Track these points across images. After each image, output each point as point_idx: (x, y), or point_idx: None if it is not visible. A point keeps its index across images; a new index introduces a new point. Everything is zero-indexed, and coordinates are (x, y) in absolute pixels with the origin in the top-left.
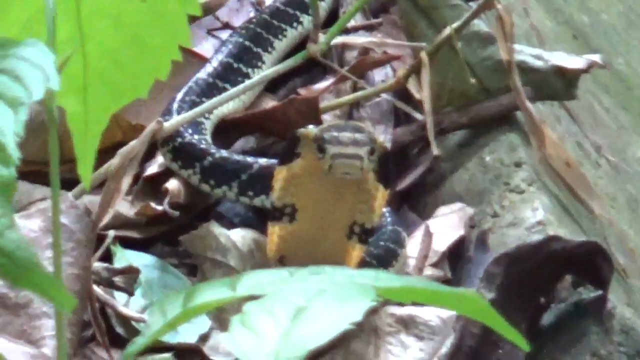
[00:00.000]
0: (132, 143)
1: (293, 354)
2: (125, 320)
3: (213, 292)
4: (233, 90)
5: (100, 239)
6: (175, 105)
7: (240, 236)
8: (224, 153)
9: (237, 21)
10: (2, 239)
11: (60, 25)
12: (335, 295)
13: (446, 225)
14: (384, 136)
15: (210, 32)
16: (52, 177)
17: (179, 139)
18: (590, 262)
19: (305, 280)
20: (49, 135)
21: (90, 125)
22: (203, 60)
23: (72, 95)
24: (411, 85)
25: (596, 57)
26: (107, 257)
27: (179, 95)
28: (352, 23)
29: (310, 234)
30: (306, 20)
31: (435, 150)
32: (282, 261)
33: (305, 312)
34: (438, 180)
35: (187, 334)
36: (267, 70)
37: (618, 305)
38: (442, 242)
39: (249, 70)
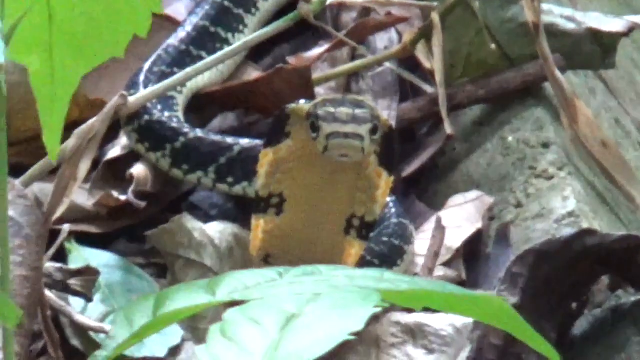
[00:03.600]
0: (91, 121)
1: None
2: (82, 330)
3: (187, 297)
4: (210, 59)
5: (53, 234)
6: (141, 77)
7: (217, 231)
8: (199, 133)
9: None
10: None
11: None
12: (332, 301)
13: (461, 217)
14: (388, 112)
15: None
16: None
17: (146, 117)
18: (631, 260)
19: (297, 282)
20: None
21: (57, 87)
22: (174, 24)
23: (36, 52)
24: (420, 53)
25: (638, 19)
26: (61, 255)
27: (147, 66)
28: None
29: (301, 228)
30: None
31: (448, 129)
32: (267, 260)
33: (297, 321)
34: (451, 164)
35: (155, 347)
36: (250, 35)
37: None
38: (456, 237)
39: (229, 35)
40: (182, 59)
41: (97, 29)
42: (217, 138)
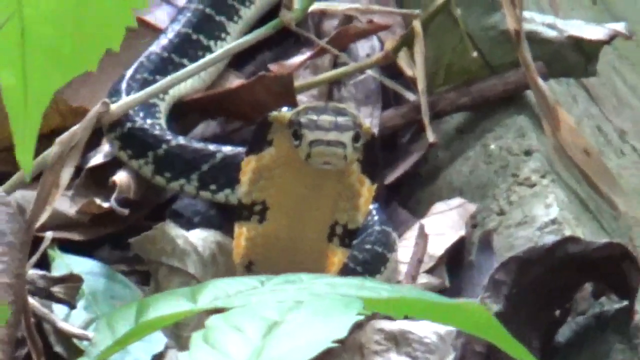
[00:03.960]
0: (73, 129)
1: None
2: (65, 337)
3: (170, 304)
4: (192, 67)
5: (36, 241)
6: (123, 85)
7: (200, 238)
8: (181, 140)
9: None
10: None
11: None
12: (315, 308)
13: (444, 224)
14: (370, 120)
15: None
16: None
17: (129, 124)
18: (614, 268)
19: (279, 290)
20: None
21: (30, 102)
22: (156, 31)
23: (8, 67)
24: (402, 60)
25: (619, 27)
26: (44, 263)
27: (129, 73)
28: None
29: (283, 235)
30: None
31: (430, 137)
32: (250, 268)
33: (279, 328)
34: (434, 171)
35: (138, 354)
36: (232, 42)
37: None
38: (439, 244)
39: (211, 42)
40: (164, 66)
41: (70, 43)
42: (200, 145)
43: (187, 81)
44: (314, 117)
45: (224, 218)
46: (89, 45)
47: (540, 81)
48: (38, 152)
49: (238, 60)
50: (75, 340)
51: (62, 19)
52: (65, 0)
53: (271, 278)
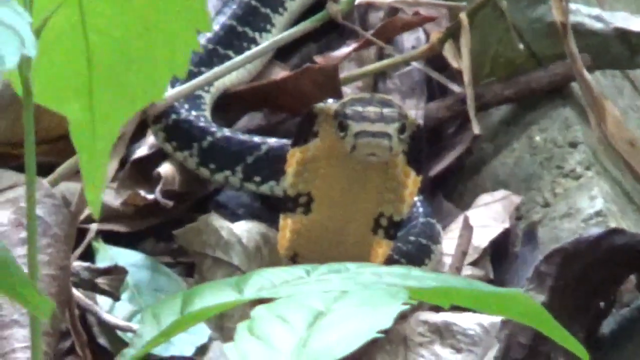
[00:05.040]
0: None
1: None
2: (109, 329)
3: (215, 295)
4: (237, 59)
5: (81, 233)
6: None
7: (245, 230)
8: (226, 132)
9: None
10: None
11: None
12: (360, 298)
13: (488, 216)
14: (416, 112)
15: None
16: (26, 160)
17: (174, 116)
18: None
19: (325, 280)
20: (22, 112)
21: (97, 136)
22: None
23: (75, 100)
24: (447, 52)
25: None
26: (89, 254)
27: None
28: None
29: (328, 227)
30: None
31: (475, 129)
32: (295, 260)
33: (325, 319)
34: (479, 163)
35: (182, 346)
36: (278, 34)
37: None
38: (484, 236)
39: (256, 34)
40: (209, 58)
41: (136, 73)
42: (245, 137)
43: (233, 73)
44: (360, 109)
45: (268, 210)
46: (155, 74)
47: (585, 73)
48: None
49: (283, 52)
50: (119, 332)
51: (128, 47)
52: (130, 28)
53: (317, 267)
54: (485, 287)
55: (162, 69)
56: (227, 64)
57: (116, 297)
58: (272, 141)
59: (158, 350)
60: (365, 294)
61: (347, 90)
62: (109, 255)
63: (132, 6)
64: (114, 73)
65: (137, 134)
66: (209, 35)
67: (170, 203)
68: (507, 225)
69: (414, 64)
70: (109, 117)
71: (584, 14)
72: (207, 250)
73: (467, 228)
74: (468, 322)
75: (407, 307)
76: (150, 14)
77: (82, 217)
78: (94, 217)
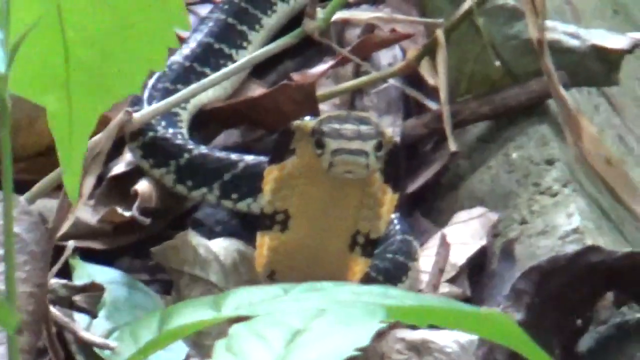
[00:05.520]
0: (96, 138)
1: None
2: (87, 346)
3: (193, 313)
4: (214, 76)
5: (58, 250)
6: (145, 94)
7: (222, 247)
8: (203, 149)
9: None
10: None
11: (29, 6)
12: (338, 316)
13: (465, 233)
14: (393, 129)
15: (186, 6)
16: (4, 177)
17: (151, 133)
18: (636, 277)
19: (302, 298)
20: None
21: (75, 126)
22: (179, 40)
23: (53, 92)
24: (424, 69)
25: None
26: (66, 272)
27: (150, 82)
28: None
29: (305, 245)
30: None
31: (452, 146)
32: (272, 277)
33: (303, 336)
34: (456, 180)
35: None
36: (254, 51)
37: None
38: (461, 253)
39: (233, 51)
40: (186, 75)
41: (114, 66)
42: (222, 154)
43: (209, 90)
44: (337, 126)
45: (245, 227)
46: (133, 68)
47: (562, 90)
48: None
49: (260, 69)
50: (96, 350)
51: (105, 42)
52: (108, 24)
53: (295, 286)
54: (462, 306)
55: (139, 64)
56: (204, 81)
57: (93, 315)
58: (249, 158)
59: None
60: (343, 312)
61: (324, 108)
62: (86, 272)
63: (109, 3)
64: (90, 67)
65: (114, 151)
66: (185, 52)
67: (147, 220)
68: (484, 242)
69: (391, 81)
70: (86, 108)
71: (560, 31)
72: (185, 267)
73: (444, 245)
74: (445, 339)
75: (384, 325)
76: (128, 11)
77: (59, 234)
78: (74, 202)
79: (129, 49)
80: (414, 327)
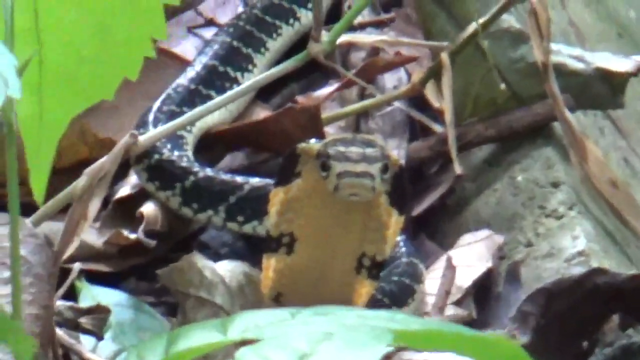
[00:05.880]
0: (101, 161)
1: None
2: None
3: (200, 336)
4: (219, 99)
5: (64, 273)
6: (151, 117)
7: (228, 270)
8: (209, 172)
9: (224, 17)
10: None
11: (15, 14)
12: (345, 340)
13: (471, 256)
14: (398, 151)
15: (191, 29)
16: (10, 200)
17: (156, 156)
18: None
19: (309, 322)
20: (4, 151)
21: (45, 129)
22: (183, 63)
23: (26, 95)
24: (429, 92)
25: None
26: (72, 294)
27: (156, 105)
28: (359, 19)
29: (311, 267)
30: (304, 15)
31: (457, 169)
32: (278, 299)
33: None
34: (461, 203)
35: None
36: (259, 74)
37: None
38: (467, 276)
39: (238, 74)
40: (191, 98)
41: (88, 72)
42: (227, 177)
43: (214, 113)
44: (342, 149)
45: (251, 250)
46: (107, 74)
47: (567, 113)
48: (67, 183)
49: (265, 92)
50: None
51: (80, 47)
52: (84, 29)
53: (302, 310)
54: (467, 331)
55: (114, 70)
56: (209, 103)
57: (99, 337)
58: (255, 181)
59: None
60: (350, 336)
61: (330, 130)
62: (92, 294)
63: (86, 9)
64: (64, 71)
65: (120, 174)
66: (191, 75)
67: (153, 243)
68: (490, 264)
69: (396, 103)
70: (58, 112)
71: (565, 54)
72: (190, 289)
73: (450, 268)
74: None
75: (391, 348)
76: (105, 17)
77: (65, 256)
78: (39, 202)
79: (105, 55)
80: (419, 350)
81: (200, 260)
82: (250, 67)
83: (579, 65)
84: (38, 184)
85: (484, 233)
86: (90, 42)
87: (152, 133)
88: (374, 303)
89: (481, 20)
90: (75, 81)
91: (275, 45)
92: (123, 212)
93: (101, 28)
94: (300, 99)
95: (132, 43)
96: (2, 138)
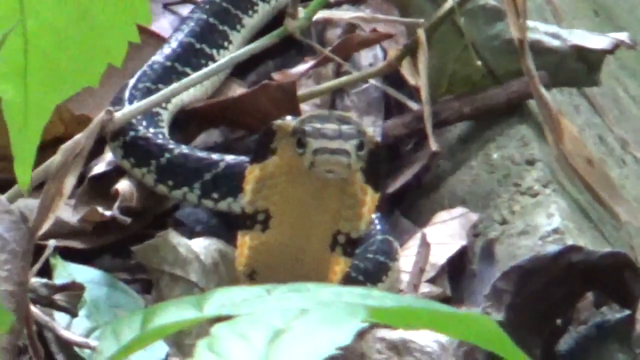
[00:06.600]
0: (76, 137)
1: None
2: (67, 345)
3: (176, 312)
4: (195, 75)
5: (39, 249)
6: (127, 94)
7: (203, 247)
8: (184, 149)
9: None
10: None
11: None
12: (320, 316)
13: (446, 233)
14: (373, 129)
15: (167, 6)
16: None
17: (132, 133)
18: (616, 277)
19: (284, 298)
20: None
21: (30, 116)
22: (159, 40)
23: (10, 81)
24: (405, 69)
25: (622, 36)
26: (47, 271)
27: (132, 82)
28: None
29: (286, 244)
30: None
31: (433, 146)
32: (253, 276)
33: (284, 336)
34: (436, 180)
35: None
36: (235, 51)
37: None
38: (441, 253)
39: (214, 51)
40: (167, 75)
41: (73, 58)
42: (203, 154)
43: (190, 90)
44: (318, 126)
45: (226, 227)
46: (92, 61)
47: (543, 90)
48: (42, 160)
49: (241, 69)
50: (76, 349)
51: (65, 33)
52: (69, 14)
53: (277, 287)
54: (442, 308)
55: (99, 57)
56: (185, 80)
57: (74, 314)
58: (230, 158)
59: None
60: (324, 312)
61: (305, 108)
62: (66, 271)
63: None
64: (49, 57)
65: (95, 151)
66: (167, 52)
67: (128, 220)
68: (464, 242)
69: (372, 81)
70: (43, 98)
71: (541, 32)
72: (165, 267)
73: (425, 245)
74: (425, 339)
75: (365, 324)
76: (90, 4)
77: (39, 233)
78: (24, 189)
79: (89, 41)
80: (394, 327)
81: (175, 238)
82: (226, 44)
83: (555, 43)
84: (23, 171)
85: (458, 211)
86: (75, 29)
87: (127, 110)
88: (348, 280)
89: None
90: (61, 68)
91: (251, 22)
92: (98, 189)
93: (85, 13)
94: (276, 76)
95: (116, 29)
96: None
